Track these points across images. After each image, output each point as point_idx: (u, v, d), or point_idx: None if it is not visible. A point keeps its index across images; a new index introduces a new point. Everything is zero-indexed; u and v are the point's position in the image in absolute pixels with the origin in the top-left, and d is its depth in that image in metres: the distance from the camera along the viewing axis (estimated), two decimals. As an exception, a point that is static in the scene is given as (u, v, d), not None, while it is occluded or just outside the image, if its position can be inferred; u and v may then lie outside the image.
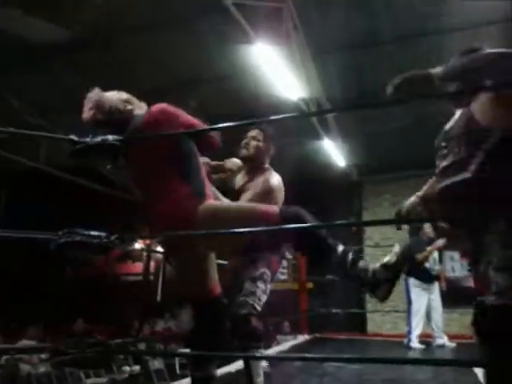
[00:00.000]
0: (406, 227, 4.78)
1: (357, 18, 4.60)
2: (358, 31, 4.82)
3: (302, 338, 5.47)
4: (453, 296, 6.50)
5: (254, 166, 2.47)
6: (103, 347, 1.89)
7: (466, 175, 1.41)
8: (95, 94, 1.93)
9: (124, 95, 1.98)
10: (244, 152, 2.47)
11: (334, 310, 6.31)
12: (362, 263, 1.60)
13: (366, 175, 8.67)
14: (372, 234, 8.40)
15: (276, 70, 4.38)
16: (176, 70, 5.45)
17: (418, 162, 5.54)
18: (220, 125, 1.76)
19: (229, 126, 1.71)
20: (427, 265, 4.87)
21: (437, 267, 5.02)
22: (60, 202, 8.04)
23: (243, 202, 2.25)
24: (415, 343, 4.68)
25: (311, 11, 4.51)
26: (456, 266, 7.56)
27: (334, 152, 6.63)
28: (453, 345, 4.80)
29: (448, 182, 1.48)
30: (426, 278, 4.90)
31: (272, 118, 1.74)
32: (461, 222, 1.52)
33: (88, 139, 1.80)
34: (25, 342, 6.00)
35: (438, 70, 1.51)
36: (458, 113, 1.58)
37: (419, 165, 5.36)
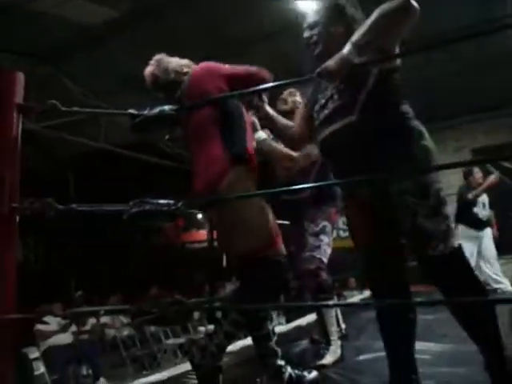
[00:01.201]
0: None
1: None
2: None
3: (368, 293, 5.48)
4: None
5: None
6: (181, 305, 2.01)
7: (352, 118, 1.43)
8: (160, 55, 2.05)
9: (184, 61, 2.06)
10: (283, 107, 2.54)
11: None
12: None
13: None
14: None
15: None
16: (223, 32, 5.39)
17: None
18: (267, 85, 1.75)
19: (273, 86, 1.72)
20: (475, 210, 4.59)
21: (485, 212, 4.68)
22: (123, 177, 8.42)
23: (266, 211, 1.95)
24: None
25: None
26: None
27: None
28: None
29: (335, 127, 1.48)
30: (476, 223, 4.60)
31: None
32: (353, 167, 1.46)
33: (146, 111, 1.86)
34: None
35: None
36: None
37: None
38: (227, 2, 4.80)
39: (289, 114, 2.49)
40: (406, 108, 1.50)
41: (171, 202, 1.76)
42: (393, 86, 1.49)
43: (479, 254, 4.64)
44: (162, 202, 1.79)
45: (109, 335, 5.87)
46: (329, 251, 2.30)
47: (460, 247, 1.41)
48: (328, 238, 2.30)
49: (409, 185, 1.40)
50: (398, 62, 1.54)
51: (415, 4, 1.36)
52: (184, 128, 1.97)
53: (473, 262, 4.44)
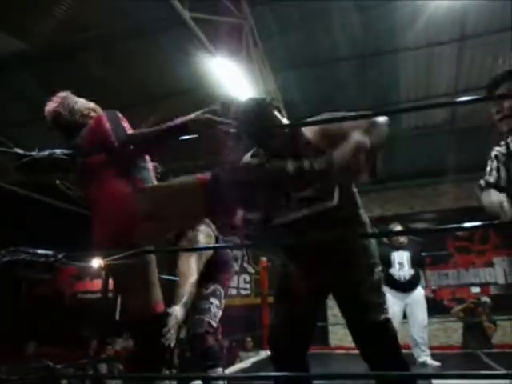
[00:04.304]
0: None
1: (315, 35, 4.71)
2: (317, 48, 4.93)
3: (264, 353, 5.40)
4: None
5: None
6: (49, 372, 1.79)
7: (328, 204, 1.58)
8: (66, 93, 1.93)
9: (91, 104, 1.94)
10: None
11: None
12: None
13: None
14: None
15: (236, 84, 4.40)
16: (140, 83, 5.38)
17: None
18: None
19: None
20: (390, 270, 4.26)
21: (402, 273, 4.30)
22: (18, 219, 7.70)
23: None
24: None
25: (271, 28, 4.59)
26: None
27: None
28: (436, 364, 4.08)
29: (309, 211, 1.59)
30: (394, 285, 4.21)
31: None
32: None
33: (34, 153, 1.73)
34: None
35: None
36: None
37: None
38: (144, 54, 4.84)
39: None
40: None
41: (50, 252, 1.61)
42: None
43: (410, 319, 4.28)
44: (39, 252, 1.63)
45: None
46: (219, 315, 2.25)
47: (389, 320, 1.57)
48: (219, 302, 2.26)
49: (359, 264, 1.59)
50: None
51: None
52: (80, 173, 1.84)
53: (396, 324, 3.64)
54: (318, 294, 1.67)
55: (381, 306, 1.55)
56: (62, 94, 1.94)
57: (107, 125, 1.75)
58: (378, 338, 1.52)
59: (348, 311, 1.59)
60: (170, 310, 1.82)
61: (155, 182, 1.79)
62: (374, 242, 1.69)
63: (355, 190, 1.70)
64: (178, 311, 1.87)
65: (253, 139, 1.67)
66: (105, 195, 1.71)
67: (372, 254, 1.63)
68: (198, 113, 1.61)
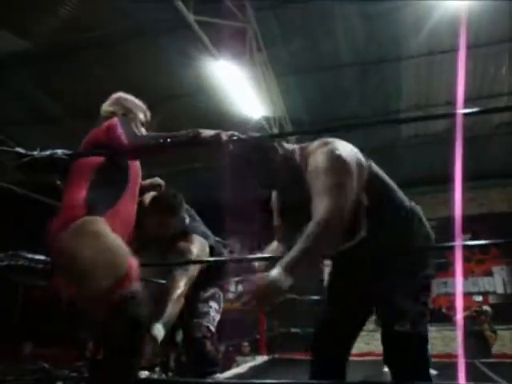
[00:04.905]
0: None
1: (318, 41, 4.71)
2: (320, 54, 4.92)
3: (260, 358, 5.37)
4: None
5: None
6: (45, 374, 1.78)
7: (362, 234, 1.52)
8: (127, 96, 2.12)
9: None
10: None
11: (293, 330, 6.24)
12: None
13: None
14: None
15: (239, 88, 4.39)
16: (142, 86, 5.35)
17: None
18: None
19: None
20: None
21: None
22: (16, 219, 7.66)
23: (118, 242, 1.51)
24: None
25: (275, 33, 4.58)
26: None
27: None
28: (434, 373, 4.35)
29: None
30: None
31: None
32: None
33: (36, 152, 1.72)
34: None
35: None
36: None
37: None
38: (146, 55, 4.82)
39: None
40: (400, 195, 1.62)
41: (49, 258, 1.59)
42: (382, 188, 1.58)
43: None
44: (38, 257, 1.62)
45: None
46: (217, 318, 2.24)
47: (426, 335, 1.48)
48: (217, 305, 2.25)
49: (400, 269, 1.50)
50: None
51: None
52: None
53: None
54: (366, 306, 1.63)
55: (417, 314, 1.48)
56: (125, 96, 2.14)
57: (119, 130, 1.67)
58: (414, 349, 1.47)
59: (390, 319, 1.49)
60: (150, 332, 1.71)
61: (104, 210, 1.55)
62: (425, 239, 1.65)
63: (392, 188, 1.62)
64: (158, 331, 1.76)
65: (256, 177, 1.57)
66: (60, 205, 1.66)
67: (423, 260, 1.59)
68: (215, 132, 1.58)
